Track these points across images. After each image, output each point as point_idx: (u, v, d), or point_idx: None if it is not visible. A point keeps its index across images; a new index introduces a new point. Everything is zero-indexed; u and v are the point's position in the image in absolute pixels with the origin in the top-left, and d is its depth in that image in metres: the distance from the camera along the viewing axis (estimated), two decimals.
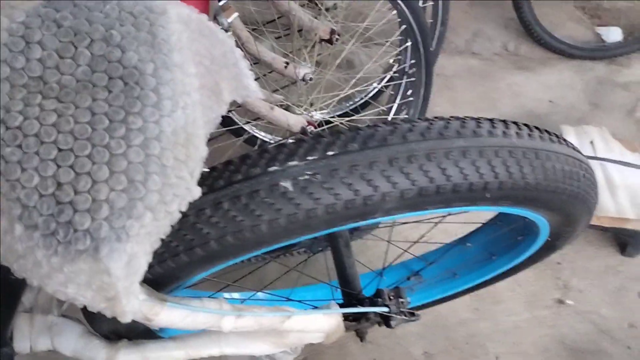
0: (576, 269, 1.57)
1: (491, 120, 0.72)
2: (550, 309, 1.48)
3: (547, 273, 1.56)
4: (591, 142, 1.73)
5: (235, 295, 1.20)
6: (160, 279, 0.70)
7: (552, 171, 0.73)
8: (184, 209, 0.54)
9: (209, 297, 0.75)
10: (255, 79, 1.63)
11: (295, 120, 1.32)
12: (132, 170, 0.48)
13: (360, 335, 1.03)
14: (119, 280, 0.49)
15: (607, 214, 1.53)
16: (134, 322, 0.77)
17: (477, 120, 0.72)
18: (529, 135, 0.73)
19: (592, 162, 1.65)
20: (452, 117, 0.72)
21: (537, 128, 0.76)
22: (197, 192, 0.55)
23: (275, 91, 1.47)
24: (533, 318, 1.46)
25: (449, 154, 0.67)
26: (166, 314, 0.66)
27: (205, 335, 0.81)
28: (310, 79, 1.41)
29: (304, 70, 1.40)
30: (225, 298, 0.83)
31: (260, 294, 1.23)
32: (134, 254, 0.50)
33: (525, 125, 0.75)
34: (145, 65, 0.51)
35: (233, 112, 1.57)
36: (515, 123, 0.74)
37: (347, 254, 1.05)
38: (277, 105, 1.33)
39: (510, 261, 1.10)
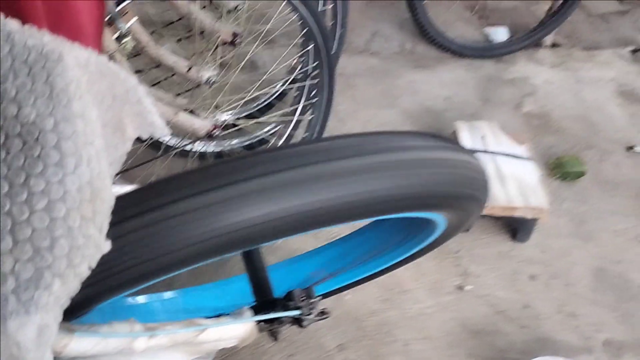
0: (473, 256, 1.68)
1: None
2: (452, 294, 1.58)
3: (448, 261, 1.65)
4: (482, 137, 1.84)
5: (141, 299, 1.20)
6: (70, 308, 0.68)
7: (458, 177, 0.80)
8: (93, 266, 0.52)
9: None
10: (156, 83, 1.60)
11: (200, 125, 1.32)
12: (37, 238, 0.46)
13: (274, 335, 1.06)
14: (29, 352, 0.47)
15: (498, 203, 1.65)
16: None
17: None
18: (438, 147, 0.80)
19: (484, 156, 1.78)
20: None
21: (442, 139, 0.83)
22: (106, 247, 0.53)
23: (178, 95, 1.46)
24: (437, 304, 1.54)
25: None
26: (75, 344, 0.65)
27: (129, 354, 0.80)
28: (214, 82, 1.42)
29: (207, 73, 1.40)
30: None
31: (168, 294, 1.23)
32: (44, 324, 0.48)
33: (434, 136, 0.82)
34: (44, 121, 0.48)
35: None
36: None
37: (257, 259, 1.07)
38: (181, 110, 1.33)
39: (408, 250, 1.16)
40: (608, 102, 2.32)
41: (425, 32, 2.38)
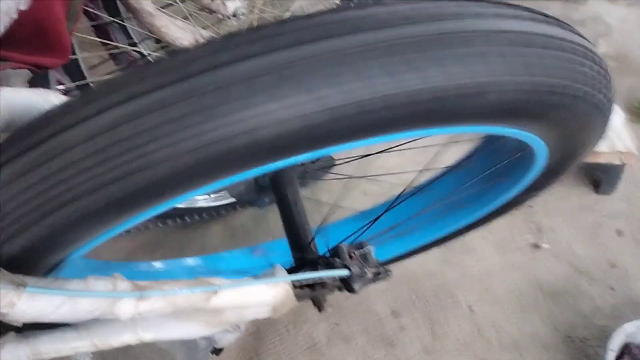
0: (549, 211, 1.45)
1: None
2: (524, 252, 1.35)
3: (519, 217, 1.43)
4: None
5: (158, 264, 1.02)
6: (24, 254, 0.50)
7: (562, 64, 0.52)
8: None
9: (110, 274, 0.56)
10: (184, 17, 1.43)
11: None
12: None
13: (318, 305, 0.86)
14: None
15: None
16: None
17: None
18: (519, 16, 0.53)
19: None
20: None
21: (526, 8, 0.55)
22: None
23: (205, 28, 1.29)
24: (505, 263, 1.33)
25: (419, 45, 0.46)
26: (27, 303, 0.48)
27: (114, 322, 0.62)
28: (243, 14, 1.24)
29: (233, 4, 1.22)
30: (124, 274, 0.60)
31: (189, 260, 1.05)
32: None
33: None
34: None
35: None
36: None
37: (295, 201, 0.88)
38: None
39: (485, 207, 0.93)
40: None
41: None
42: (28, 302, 0.48)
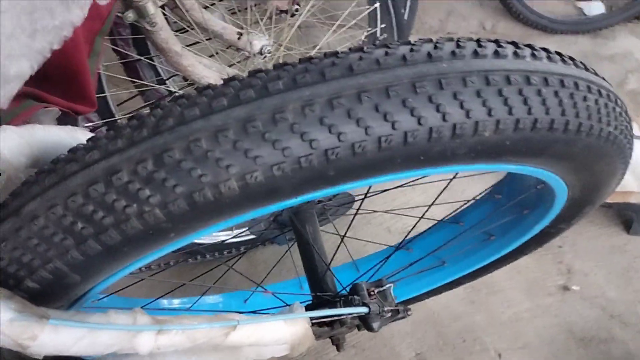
0: (579, 252, 1.41)
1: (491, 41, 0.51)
2: (554, 296, 1.31)
3: (548, 258, 1.39)
4: None
5: (176, 302, 1.01)
6: (44, 291, 0.50)
7: (585, 105, 0.51)
8: None
9: (130, 307, 0.56)
10: (210, 56, 1.46)
11: None
12: None
13: (337, 344, 0.84)
14: None
15: None
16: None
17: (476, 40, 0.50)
18: (548, 58, 0.52)
19: None
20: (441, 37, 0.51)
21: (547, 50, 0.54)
22: None
23: (231, 66, 1.30)
24: (535, 307, 1.29)
25: (442, 81, 0.46)
26: (49, 335, 0.47)
27: (132, 357, 0.60)
28: (269, 52, 1.25)
29: (260, 42, 1.23)
30: (147, 308, 0.60)
31: (210, 298, 1.04)
32: None
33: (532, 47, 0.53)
34: None
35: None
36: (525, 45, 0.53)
37: (315, 238, 0.87)
38: None
39: (511, 242, 0.90)
40: None
41: (509, 7, 2.13)
42: (50, 334, 0.48)
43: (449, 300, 1.26)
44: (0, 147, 0.52)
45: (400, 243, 1.04)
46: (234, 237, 1.28)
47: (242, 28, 1.30)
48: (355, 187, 0.50)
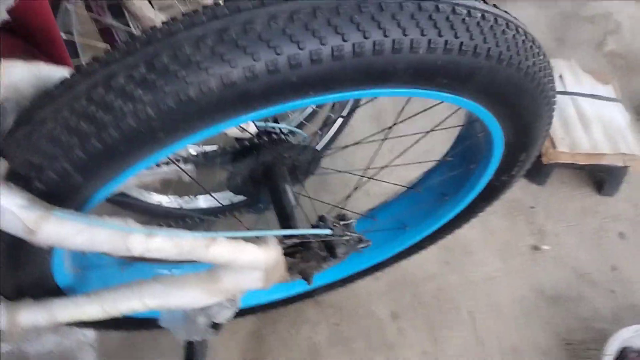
0: (551, 212, 1.45)
1: None
2: (525, 256, 1.36)
3: (521, 219, 1.43)
4: (560, 76, 1.59)
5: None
6: (50, 192, 0.56)
7: (504, 37, 0.60)
8: None
9: None
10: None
11: None
12: None
13: (306, 276, 0.89)
14: None
15: (582, 149, 1.41)
16: (37, 277, 0.70)
17: None
18: None
19: (563, 97, 1.53)
20: None
21: None
22: None
23: None
24: (507, 267, 1.33)
25: (382, 4, 0.54)
26: (53, 226, 0.54)
27: (123, 286, 0.69)
28: None
29: None
30: None
31: None
32: None
33: None
34: None
35: None
36: None
37: (284, 189, 0.90)
38: None
39: (464, 199, 0.96)
40: None
41: None
42: (55, 224, 0.54)
43: (424, 262, 1.29)
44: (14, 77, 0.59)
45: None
46: (214, 201, 1.30)
47: None
48: (316, 102, 0.58)
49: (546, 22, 2.05)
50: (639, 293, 1.30)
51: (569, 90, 1.56)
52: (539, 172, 1.47)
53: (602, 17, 2.07)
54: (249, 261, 0.71)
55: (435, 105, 0.71)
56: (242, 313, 1.13)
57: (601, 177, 1.49)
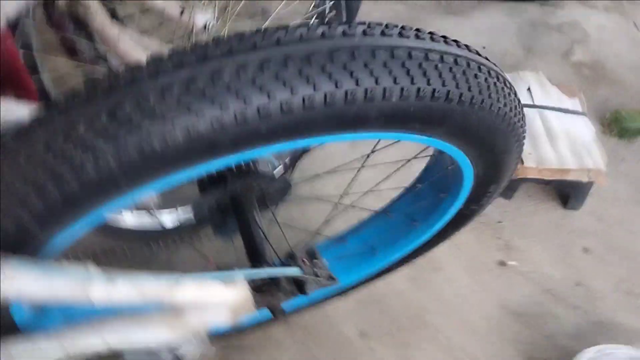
0: (517, 227, 1.46)
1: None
2: (492, 271, 1.37)
3: (487, 233, 1.44)
4: (528, 89, 1.60)
5: None
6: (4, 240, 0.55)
7: (476, 82, 0.60)
8: None
9: None
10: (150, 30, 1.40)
11: None
12: None
13: (273, 310, 0.88)
14: None
15: (548, 164, 1.42)
16: None
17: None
18: (445, 41, 0.61)
19: (531, 111, 1.54)
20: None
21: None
22: None
23: (172, 42, 1.26)
24: (474, 283, 1.34)
25: (355, 53, 0.53)
26: (9, 275, 0.53)
27: (84, 324, 0.68)
28: (212, 27, 1.21)
29: (203, 17, 1.19)
30: None
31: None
32: None
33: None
34: None
35: None
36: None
37: (253, 219, 0.88)
38: None
39: (433, 226, 0.96)
40: None
41: None
42: (10, 274, 0.53)
43: (392, 278, 1.29)
44: None
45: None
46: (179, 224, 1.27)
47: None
48: (287, 147, 0.57)
49: (515, 31, 2.06)
50: (602, 309, 1.32)
51: (537, 103, 1.57)
52: (506, 187, 1.47)
53: (570, 26, 2.10)
54: (215, 299, 0.70)
55: None
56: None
57: (567, 192, 1.50)
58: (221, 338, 1.13)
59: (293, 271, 0.76)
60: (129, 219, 1.25)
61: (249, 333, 1.18)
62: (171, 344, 0.76)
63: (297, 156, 1.40)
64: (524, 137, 0.74)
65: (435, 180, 0.90)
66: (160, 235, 1.27)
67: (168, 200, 1.25)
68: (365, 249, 1.05)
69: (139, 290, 0.61)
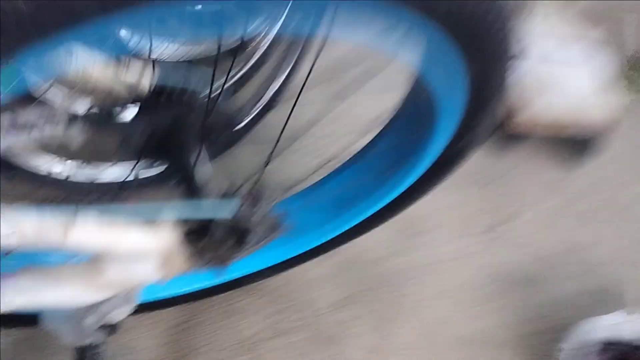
0: (509, 188, 1.35)
1: None
2: (480, 236, 1.26)
3: (476, 195, 1.32)
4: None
5: None
6: None
7: None
8: None
9: None
10: None
11: None
12: None
13: (216, 266, 0.76)
14: None
15: (543, 120, 1.30)
16: None
17: None
18: None
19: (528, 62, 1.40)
20: None
21: None
22: None
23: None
24: (460, 249, 1.23)
25: None
26: None
27: None
28: None
29: None
30: None
31: None
32: None
33: None
34: None
35: None
36: None
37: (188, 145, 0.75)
38: None
39: (409, 175, 0.82)
40: None
41: None
42: None
43: (370, 243, 1.17)
44: None
45: None
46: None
47: None
48: None
49: None
50: (597, 278, 1.22)
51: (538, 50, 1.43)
52: (497, 145, 1.36)
53: None
54: (134, 249, 0.59)
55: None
56: (157, 305, 1.01)
57: (564, 151, 1.38)
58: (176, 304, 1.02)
59: (222, 215, 0.64)
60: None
61: (208, 302, 1.07)
62: (93, 305, 0.65)
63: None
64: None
65: (413, 116, 0.77)
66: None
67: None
68: (335, 203, 0.92)
69: (19, 232, 0.49)
